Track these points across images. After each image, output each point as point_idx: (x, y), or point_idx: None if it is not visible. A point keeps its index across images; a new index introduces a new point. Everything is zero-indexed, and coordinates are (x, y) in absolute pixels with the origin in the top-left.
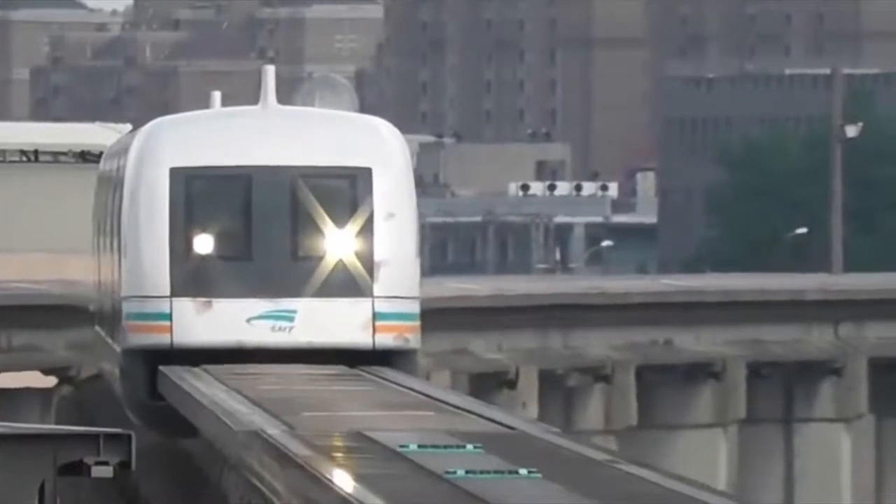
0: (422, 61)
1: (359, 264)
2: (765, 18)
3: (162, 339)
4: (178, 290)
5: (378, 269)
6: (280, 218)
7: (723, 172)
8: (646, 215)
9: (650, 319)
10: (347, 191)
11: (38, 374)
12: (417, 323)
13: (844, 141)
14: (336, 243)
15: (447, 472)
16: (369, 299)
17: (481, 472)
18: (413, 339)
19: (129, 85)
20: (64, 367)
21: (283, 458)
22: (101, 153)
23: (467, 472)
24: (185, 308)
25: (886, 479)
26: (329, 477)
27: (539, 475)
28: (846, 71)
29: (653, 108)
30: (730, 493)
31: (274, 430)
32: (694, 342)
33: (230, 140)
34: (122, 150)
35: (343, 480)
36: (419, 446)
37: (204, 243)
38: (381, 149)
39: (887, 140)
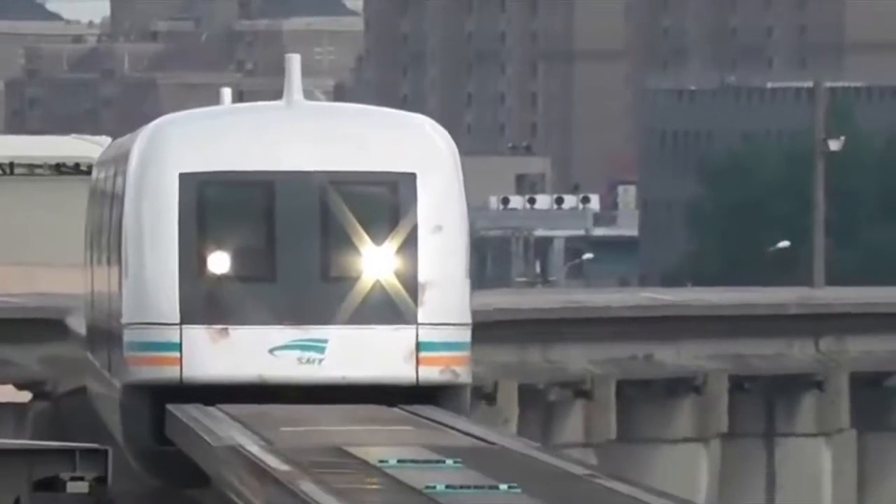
0: (402, 74)
1: (400, 286)
2: (747, 31)
3: (170, 373)
4: (189, 315)
5: (423, 292)
6: (308, 232)
7: (704, 185)
8: (627, 228)
9: (631, 333)
10: (387, 200)
11: (12, 388)
12: (468, 354)
13: (827, 154)
14: (374, 261)
15: (427, 487)
16: (412, 327)
17: (461, 487)
18: (463, 373)
19: (107, 97)
20: (39, 381)
21: (261, 473)
22: (77, 165)
23: (447, 486)
24: (198, 337)
25: (868, 494)
26: (308, 493)
27: (519, 490)
28: (829, 84)
29: (634, 121)
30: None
31: (252, 446)
32: (675, 356)
33: (250, 140)
34: (122, 153)
35: (322, 496)
36: (399, 461)
37: (219, 261)
38: (426, 151)
39: (869, 153)
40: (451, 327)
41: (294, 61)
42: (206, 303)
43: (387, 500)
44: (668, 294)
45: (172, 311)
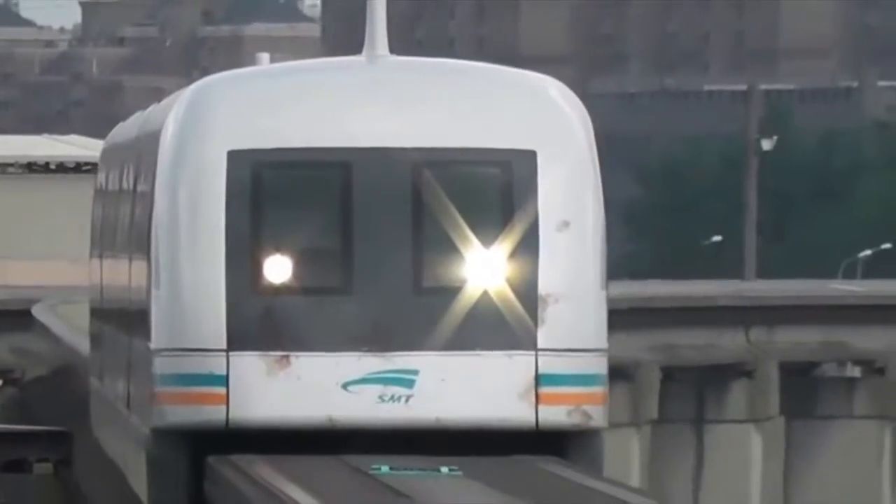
0: None
1: (515, 300)
2: (685, 36)
3: (213, 413)
4: (238, 339)
5: (544, 308)
6: (395, 229)
7: (642, 187)
8: None
9: None
10: (499, 186)
11: None
12: (604, 389)
13: (761, 154)
14: (480, 268)
15: (372, 468)
16: (530, 353)
17: (404, 469)
18: (597, 415)
19: (76, 99)
20: (8, 369)
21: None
22: (47, 163)
23: (391, 468)
24: (250, 367)
25: (795, 477)
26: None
27: (460, 473)
28: (764, 87)
29: None
30: (641, 489)
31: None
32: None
33: (320, 108)
34: (149, 128)
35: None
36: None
37: (278, 268)
38: (550, 122)
39: (801, 153)
40: (582, 354)
41: (378, 4)
42: (260, 323)
43: (332, 480)
44: None
45: (217, 333)
